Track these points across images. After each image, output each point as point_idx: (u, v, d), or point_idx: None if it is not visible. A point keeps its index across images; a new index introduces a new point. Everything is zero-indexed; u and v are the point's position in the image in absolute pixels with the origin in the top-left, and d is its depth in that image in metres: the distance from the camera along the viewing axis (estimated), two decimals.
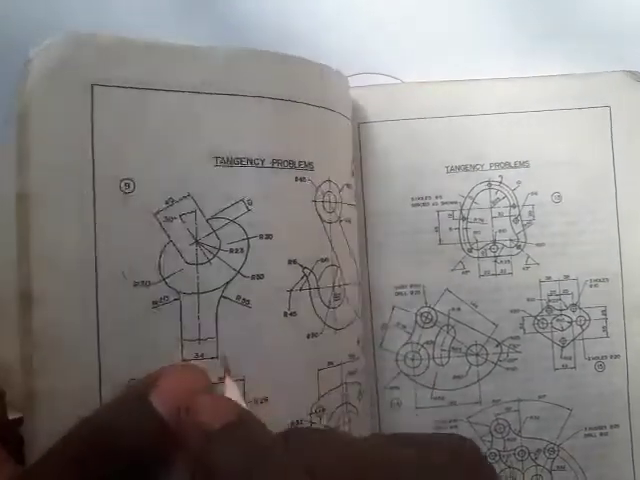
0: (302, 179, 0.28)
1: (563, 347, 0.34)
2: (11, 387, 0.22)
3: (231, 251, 0.25)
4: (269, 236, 0.26)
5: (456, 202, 0.34)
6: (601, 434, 0.34)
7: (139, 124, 0.24)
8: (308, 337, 0.27)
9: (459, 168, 0.34)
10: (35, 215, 0.22)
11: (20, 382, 0.22)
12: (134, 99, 0.24)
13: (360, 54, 0.37)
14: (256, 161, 0.26)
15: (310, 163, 0.28)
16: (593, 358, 0.34)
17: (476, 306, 0.34)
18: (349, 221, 0.31)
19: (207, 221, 0.25)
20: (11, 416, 0.22)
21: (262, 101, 0.27)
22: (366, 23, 0.37)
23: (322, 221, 0.28)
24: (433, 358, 0.34)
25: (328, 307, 0.28)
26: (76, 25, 0.25)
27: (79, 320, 0.23)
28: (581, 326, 0.34)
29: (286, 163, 0.27)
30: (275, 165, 0.27)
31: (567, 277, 0.34)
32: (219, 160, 0.25)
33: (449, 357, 0.34)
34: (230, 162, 0.26)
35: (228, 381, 0.22)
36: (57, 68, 0.23)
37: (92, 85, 0.23)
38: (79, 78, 0.23)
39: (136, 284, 0.23)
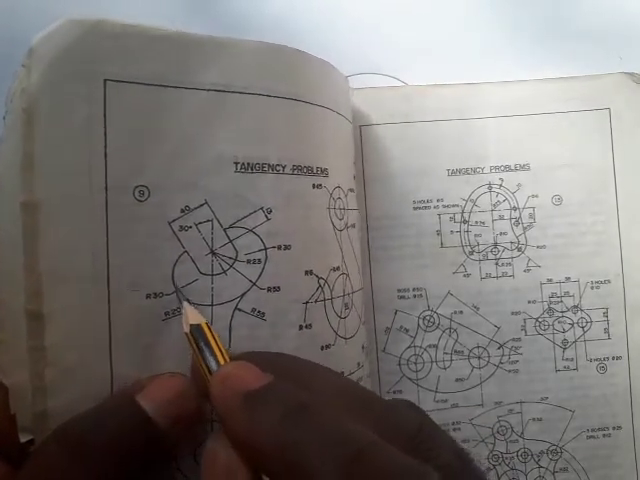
0: (319, 186, 0.26)
1: (565, 349, 0.33)
2: (21, 410, 0.20)
3: (248, 262, 0.23)
4: (287, 247, 0.24)
5: (457, 205, 0.33)
6: (604, 435, 0.33)
7: (156, 125, 0.22)
8: (322, 349, 0.25)
9: (460, 171, 0.33)
10: (44, 225, 0.20)
11: (30, 403, 0.20)
12: (150, 97, 0.22)
13: (360, 55, 0.36)
14: (277, 167, 0.24)
15: (325, 169, 0.26)
16: (595, 359, 0.33)
17: (478, 309, 0.33)
18: (353, 226, 0.29)
19: (224, 230, 0.23)
20: (22, 439, 0.20)
21: (285, 102, 0.25)
22: (366, 24, 0.36)
23: (334, 229, 0.27)
24: (436, 361, 0.33)
25: (340, 317, 0.27)
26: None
27: (91, 335, 0.21)
28: (583, 328, 0.33)
29: (305, 169, 0.25)
30: (295, 171, 0.25)
31: (568, 279, 0.33)
32: (239, 166, 0.23)
33: (451, 360, 0.33)
34: (251, 168, 0.24)
35: (186, 305, 0.22)
36: (63, 58, 0.21)
37: (105, 80, 0.21)
38: (89, 70, 0.21)
39: (149, 295, 0.22)
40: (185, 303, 0.22)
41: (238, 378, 0.19)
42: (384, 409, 0.19)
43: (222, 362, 0.20)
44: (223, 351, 0.20)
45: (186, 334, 0.21)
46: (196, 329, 0.21)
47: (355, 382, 0.22)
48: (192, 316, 0.21)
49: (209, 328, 0.21)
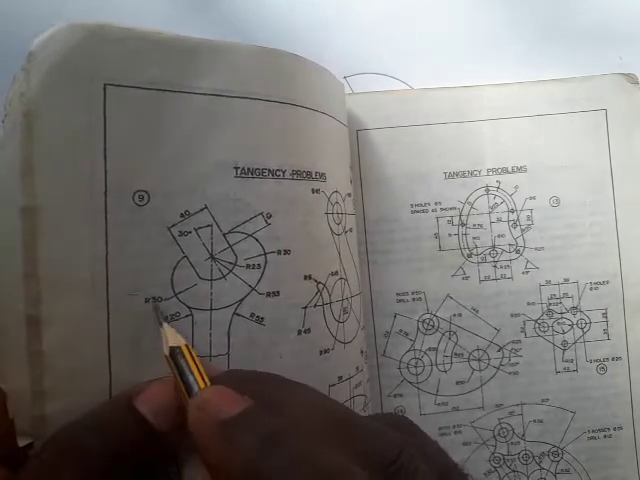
0: (317, 191, 0.26)
1: (564, 350, 0.33)
2: (19, 414, 0.20)
3: (247, 267, 0.23)
4: (287, 252, 0.24)
5: (455, 208, 0.33)
6: (605, 436, 0.33)
7: (155, 130, 0.22)
8: (320, 354, 0.25)
9: (457, 174, 0.34)
10: (43, 231, 0.20)
11: (29, 408, 0.20)
12: (151, 102, 0.22)
13: (359, 56, 0.36)
14: (277, 172, 0.24)
15: (323, 174, 0.27)
16: (595, 360, 0.33)
17: (477, 311, 0.33)
18: (351, 231, 0.30)
19: (224, 235, 0.23)
20: (21, 443, 0.20)
21: (283, 107, 0.25)
22: (366, 24, 0.36)
23: (332, 233, 0.27)
24: (436, 364, 0.33)
25: (338, 321, 0.27)
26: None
27: (90, 339, 0.21)
28: (582, 329, 0.34)
29: (305, 174, 0.25)
30: (295, 177, 0.25)
31: (567, 280, 0.34)
32: (239, 171, 0.23)
33: (452, 363, 0.33)
34: (251, 173, 0.24)
35: (166, 327, 0.21)
36: (63, 62, 0.20)
37: (105, 85, 0.21)
38: (89, 75, 0.21)
39: (147, 300, 0.22)
40: (165, 324, 0.21)
41: (215, 405, 0.18)
42: (364, 433, 0.19)
43: (202, 385, 0.19)
44: (203, 374, 0.20)
45: (165, 357, 0.20)
46: (175, 352, 0.20)
47: (337, 402, 0.22)
48: (172, 338, 0.21)
49: (189, 350, 0.21)
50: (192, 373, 0.20)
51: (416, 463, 0.18)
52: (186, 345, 0.21)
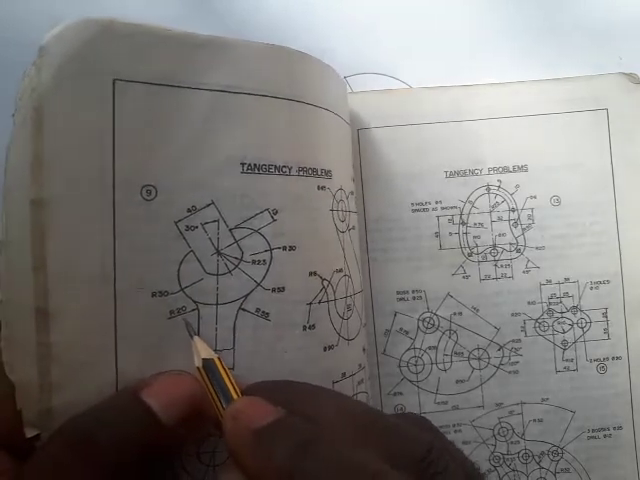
0: (323, 188, 0.26)
1: (565, 349, 0.34)
2: (27, 405, 0.20)
3: (253, 262, 0.24)
4: (292, 248, 0.24)
5: (456, 207, 0.33)
6: (604, 436, 0.33)
7: (163, 125, 0.22)
8: (325, 350, 0.25)
9: (458, 173, 0.34)
10: (52, 224, 0.20)
11: (36, 399, 0.20)
12: (159, 97, 0.22)
13: (359, 56, 0.36)
14: (283, 168, 0.25)
15: (329, 171, 0.27)
16: (595, 360, 0.34)
17: (477, 310, 0.33)
18: (354, 228, 0.30)
19: (230, 231, 0.23)
20: (28, 434, 0.20)
21: (291, 104, 0.25)
22: (365, 24, 0.36)
23: (337, 231, 0.27)
24: (436, 363, 0.33)
25: (342, 318, 0.27)
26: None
27: (97, 333, 0.21)
28: (582, 328, 0.34)
29: (310, 171, 0.26)
30: (301, 173, 0.25)
31: (567, 280, 0.34)
32: (246, 167, 0.24)
33: (451, 362, 0.33)
34: (257, 169, 0.24)
35: (196, 339, 0.22)
36: (74, 57, 0.21)
37: (114, 80, 0.21)
38: (99, 70, 0.21)
39: (154, 294, 0.22)
40: (196, 337, 0.22)
41: (248, 414, 0.19)
42: (393, 433, 0.19)
43: (234, 396, 0.20)
44: (235, 385, 0.21)
45: (198, 369, 0.21)
46: (208, 364, 0.21)
47: (364, 404, 0.22)
48: (204, 350, 0.21)
49: (220, 362, 0.21)
50: (225, 385, 0.20)
51: (446, 459, 0.18)
52: (218, 358, 0.21)
